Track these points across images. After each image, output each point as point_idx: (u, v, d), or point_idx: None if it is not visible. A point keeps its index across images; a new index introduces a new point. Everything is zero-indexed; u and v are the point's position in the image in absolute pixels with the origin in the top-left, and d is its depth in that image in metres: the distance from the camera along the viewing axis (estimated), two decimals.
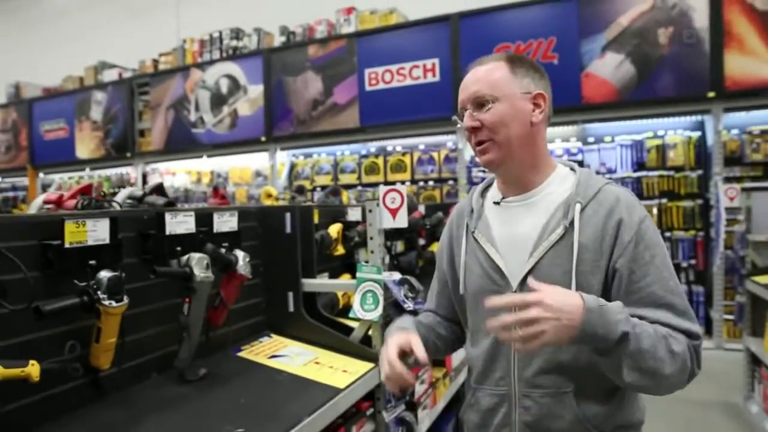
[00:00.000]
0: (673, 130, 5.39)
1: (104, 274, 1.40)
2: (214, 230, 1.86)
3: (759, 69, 4.73)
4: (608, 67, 5.15)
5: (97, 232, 1.45)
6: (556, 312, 0.94)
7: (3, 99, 9.19)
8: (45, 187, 8.87)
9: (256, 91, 6.73)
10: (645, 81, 5.04)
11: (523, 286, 1.15)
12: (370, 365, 1.92)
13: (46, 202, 1.88)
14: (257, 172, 7.22)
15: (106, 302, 1.38)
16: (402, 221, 2.02)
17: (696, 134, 5.31)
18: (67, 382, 1.42)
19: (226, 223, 1.90)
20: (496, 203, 1.27)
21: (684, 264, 5.26)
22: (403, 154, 6.50)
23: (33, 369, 1.24)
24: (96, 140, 8.07)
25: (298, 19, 6.88)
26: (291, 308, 2.15)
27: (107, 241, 1.48)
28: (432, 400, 2.58)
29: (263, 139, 6.67)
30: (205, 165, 7.53)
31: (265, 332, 2.16)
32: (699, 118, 5.25)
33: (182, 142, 7.26)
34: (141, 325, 1.64)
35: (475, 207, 1.31)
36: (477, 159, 1.23)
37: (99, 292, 1.38)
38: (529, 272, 1.15)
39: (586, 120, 5.36)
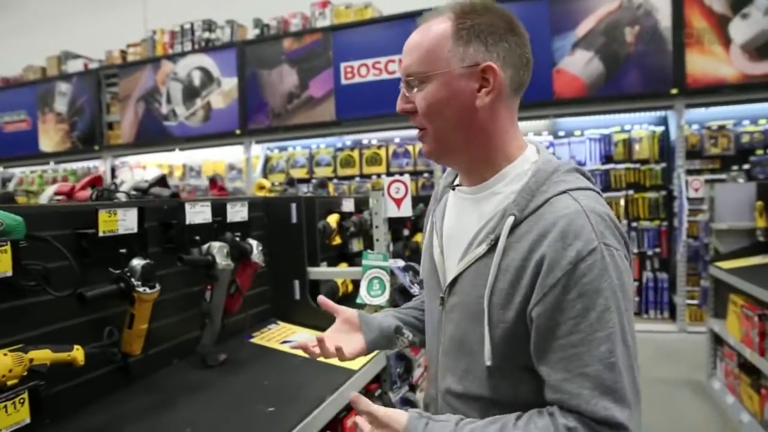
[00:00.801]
0: (639, 125, 5.64)
1: (137, 262, 1.44)
2: (228, 220, 1.91)
3: (717, 68, 5.00)
4: (578, 64, 5.35)
5: (127, 221, 1.49)
6: None
7: None
8: (5, 181, 8.57)
9: (230, 83, 6.69)
10: (613, 78, 5.26)
11: (451, 289, 0.99)
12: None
13: (57, 193, 1.90)
14: (231, 165, 7.18)
15: (141, 289, 1.43)
16: (406, 210, 2.11)
17: (660, 129, 5.57)
18: (101, 368, 1.46)
19: (238, 213, 1.96)
20: (453, 188, 1.07)
21: (649, 252, 5.53)
22: (379, 147, 6.57)
23: (78, 353, 1.28)
24: (61, 133, 7.86)
25: (272, 12, 6.85)
26: (297, 296, 2.22)
27: (135, 230, 1.52)
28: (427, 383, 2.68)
29: (238, 132, 6.63)
30: (177, 158, 7.43)
31: (271, 320, 2.23)
32: (663, 113, 5.51)
33: (153, 135, 7.14)
34: (163, 313, 1.68)
35: (441, 189, 1.14)
36: None
37: (133, 279, 1.42)
38: (454, 282, 0.98)
39: (557, 114, 5.56)
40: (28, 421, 1.10)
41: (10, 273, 1.12)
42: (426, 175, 6.36)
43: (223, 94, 6.76)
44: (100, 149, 7.59)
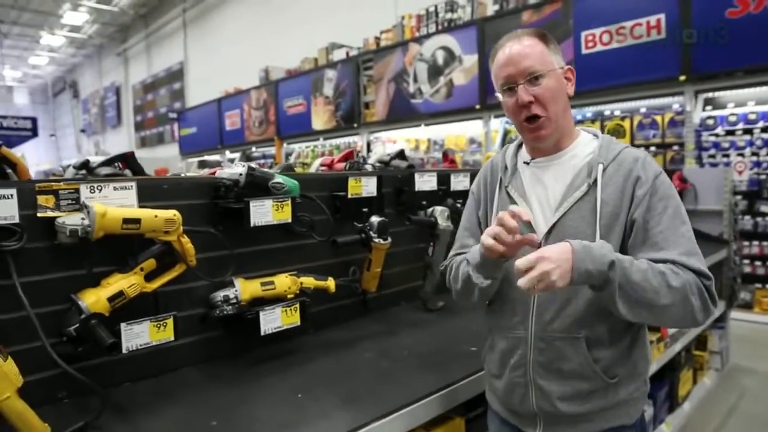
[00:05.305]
0: None
1: (375, 219, 1.83)
2: (451, 189, 2.20)
3: None
4: None
5: (368, 187, 1.89)
6: (555, 262, 1.06)
7: (256, 82, 10.91)
8: (287, 156, 10.37)
9: (471, 60, 6.99)
10: None
11: (548, 237, 1.23)
12: None
13: (321, 164, 2.42)
14: (471, 139, 7.54)
15: (376, 240, 1.81)
16: None
17: None
18: (347, 299, 1.90)
19: (460, 182, 2.23)
20: (526, 163, 1.34)
21: None
22: (622, 119, 6.20)
23: (331, 283, 1.72)
24: (328, 113, 9.18)
25: None
26: None
27: (375, 194, 1.92)
28: None
29: (477, 107, 6.93)
30: (423, 133, 8.09)
31: None
32: None
33: (402, 112, 7.88)
34: (395, 262, 2.06)
35: (509, 164, 1.37)
36: (524, 134, 1.28)
37: (371, 232, 1.81)
38: (554, 225, 1.24)
39: None
40: (299, 323, 1.56)
41: (290, 220, 1.58)
42: (676, 147, 5.81)
43: (464, 71, 7.11)
44: (358, 126, 8.67)
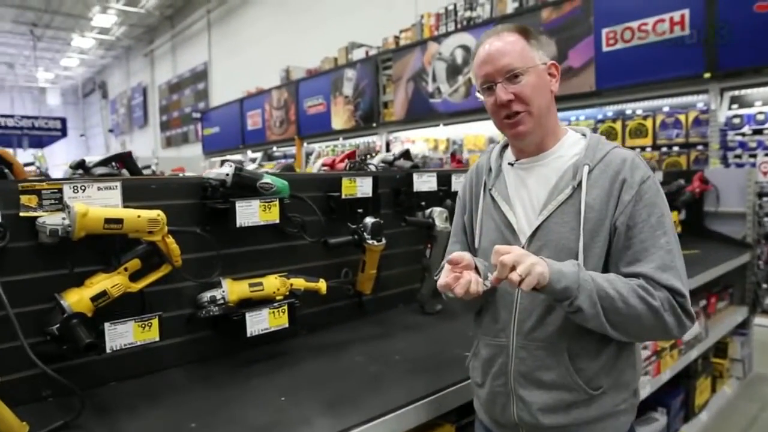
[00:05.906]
0: None
1: (369, 220, 1.80)
2: (452, 189, 2.16)
3: None
4: None
5: (363, 187, 1.86)
6: (533, 258, 1.03)
7: (277, 82, 10.98)
8: (308, 155, 10.41)
9: None
10: None
11: (531, 241, 1.19)
12: None
13: (323, 164, 2.40)
14: (491, 139, 7.45)
15: (370, 241, 1.78)
16: None
17: None
18: (341, 301, 1.87)
19: (461, 183, 2.18)
20: (511, 164, 1.29)
21: None
22: (644, 118, 6.05)
23: (322, 285, 1.70)
24: (347, 113, 9.18)
25: None
26: None
27: (370, 194, 1.89)
28: (655, 367, 2.57)
29: None
30: (442, 133, 8.03)
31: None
32: None
33: (421, 112, 7.84)
34: (391, 264, 2.03)
35: (493, 166, 1.33)
36: (504, 131, 1.24)
37: (365, 233, 1.79)
38: (537, 229, 1.19)
39: None
40: (287, 325, 1.54)
41: (277, 220, 1.57)
42: (700, 147, 5.65)
43: None
44: (377, 126, 8.65)
